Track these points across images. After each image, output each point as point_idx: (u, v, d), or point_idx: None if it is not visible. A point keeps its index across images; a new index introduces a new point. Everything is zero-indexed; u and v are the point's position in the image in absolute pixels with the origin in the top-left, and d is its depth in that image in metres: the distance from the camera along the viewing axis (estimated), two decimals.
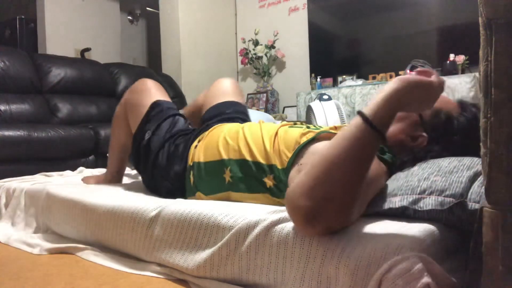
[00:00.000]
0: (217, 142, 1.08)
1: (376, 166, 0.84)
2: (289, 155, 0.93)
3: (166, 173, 1.14)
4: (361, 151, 0.68)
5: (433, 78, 0.72)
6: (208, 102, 1.39)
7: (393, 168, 0.93)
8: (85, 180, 1.59)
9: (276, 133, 1.01)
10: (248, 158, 1.00)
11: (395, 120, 0.95)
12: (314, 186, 0.66)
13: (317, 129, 1.05)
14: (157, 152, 1.18)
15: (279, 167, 0.94)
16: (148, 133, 1.22)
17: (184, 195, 1.12)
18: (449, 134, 0.93)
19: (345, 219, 0.70)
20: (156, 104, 1.27)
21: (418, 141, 0.96)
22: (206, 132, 1.15)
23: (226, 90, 1.41)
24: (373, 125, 0.67)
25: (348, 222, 0.72)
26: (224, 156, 1.04)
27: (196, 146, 1.12)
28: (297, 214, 0.67)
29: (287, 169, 0.92)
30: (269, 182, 0.96)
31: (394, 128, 0.97)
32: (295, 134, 0.98)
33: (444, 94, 0.97)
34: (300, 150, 0.91)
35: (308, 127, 1.06)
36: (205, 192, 1.07)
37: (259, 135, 1.03)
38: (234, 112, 1.33)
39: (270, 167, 0.96)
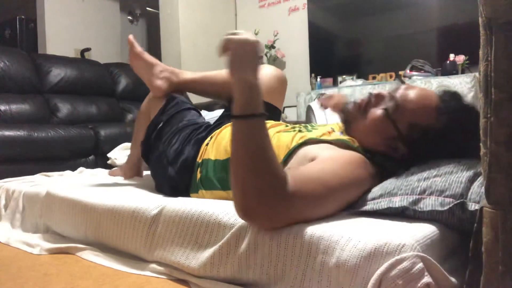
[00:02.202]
0: (226, 142, 1.10)
1: (357, 167, 0.85)
2: (279, 161, 0.96)
3: (174, 161, 1.16)
4: (242, 140, 0.75)
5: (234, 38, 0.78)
6: None
7: (385, 170, 0.93)
8: (112, 173, 1.68)
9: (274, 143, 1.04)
10: None
11: (372, 132, 0.95)
12: (234, 184, 0.75)
13: (309, 131, 1.07)
14: (168, 141, 1.20)
15: None
16: (161, 123, 1.25)
17: (187, 189, 1.14)
18: (429, 144, 0.91)
19: (277, 204, 0.72)
20: (171, 98, 1.31)
21: (399, 152, 0.95)
22: (218, 131, 1.18)
23: (263, 85, 1.35)
24: (234, 115, 0.76)
25: (291, 210, 0.74)
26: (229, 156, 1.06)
27: (207, 143, 1.15)
28: (237, 213, 0.75)
29: None
30: None
31: (373, 140, 0.96)
32: (286, 140, 1.01)
33: (424, 88, 0.97)
34: (290, 155, 0.95)
35: (300, 130, 1.08)
36: (209, 189, 1.08)
37: None
38: None
39: None
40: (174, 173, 1.15)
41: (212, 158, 1.10)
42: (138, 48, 1.33)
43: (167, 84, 1.32)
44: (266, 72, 1.36)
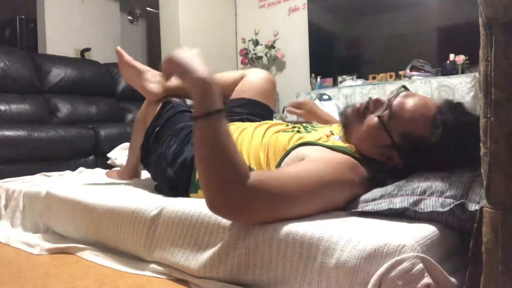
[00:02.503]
0: None
1: (344, 168, 0.86)
2: (276, 162, 0.99)
3: (173, 161, 1.17)
4: (200, 138, 0.78)
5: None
6: (237, 93, 1.41)
7: (379, 176, 0.92)
8: (109, 174, 1.69)
9: (269, 142, 1.07)
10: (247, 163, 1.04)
11: (367, 138, 0.94)
12: (200, 180, 0.79)
13: (308, 132, 1.09)
14: (166, 143, 1.21)
15: None
16: (158, 127, 1.27)
17: (186, 190, 1.14)
18: (422, 156, 0.88)
19: (237, 198, 0.74)
20: (167, 102, 1.33)
21: (393, 161, 0.93)
22: None
23: (256, 86, 1.41)
24: (192, 117, 0.78)
25: (252, 204, 0.75)
26: None
27: None
28: (207, 206, 0.78)
29: None
30: None
31: (368, 147, 0.95)
32: (283, 141, 1.03)
33: (425, 96, 0.94)
34: (285, 157, 0.96)
35: (299, 131, 1.09)
36: None
37: (258, 143, 1.08)
38: (250, 114, 1.35)
39: None
40: (173, 173, 1.16)
41: None
42: (127, 56, 1.36)
43: (160, 86, 1.33)
44: (259, 75, 1.42)
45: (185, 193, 1.14)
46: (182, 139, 1.20)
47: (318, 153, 0.91)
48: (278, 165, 0.97)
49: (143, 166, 1.37)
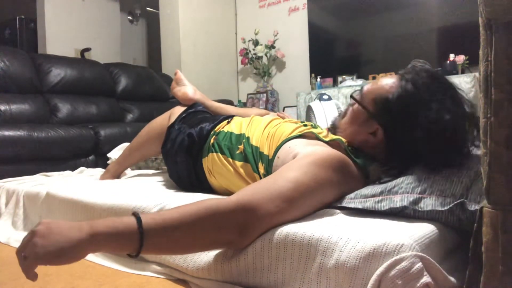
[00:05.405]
0: (243, 121, 1.24)
1: (334, 165, 0.88)
2: (275, 147, 1.04)
3: (196, 125, 1.31)
4: (168, 248, 0.76)
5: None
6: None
7: (367, 173, 0.97)
8: (102, 178, 1.70)
9: (271, 131, 1.12)
10: (255, 143, 1.11)
11: (350, 122, 1.05)
12: (210, 248, 0.83)
13: (315, 127, 1.13)
14: (190, 121, 1.35)
15: (270, 157, 1.04)
16: (184, 114, 1.41)
17: (198, 153, 1.23)
18: (400, 115, 0.94)
19: (238, 227, 0.75)
20: (194, 104, 1.50)
21: (377, 135, 0.99)
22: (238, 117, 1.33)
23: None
24: (132, 256, 0.69)
25: (254, 222, 0.76)
26: (243, 132, 1.18)
27: (228, 121, 1.30)
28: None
29: (271, 160, 1.02)
30: (261, 170, 1.05)
31: (352, 132, 1.04)
32: (286, 129, 1.08)
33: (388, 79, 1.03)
34: (285, 144, 1.01)
35: (305, 125, 1.14)
36: (218, 152, 1.17)
37: (266, 134, 1.13)
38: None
39: (262, 155, 1.06)
40: (194, 132, 1.27)
41: (228, 130, 1.22)
42: (180, 73, 1.67)
43: (197, 94, 1.57)
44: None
45: (197, 155, 1.23)
46: (205, 119, 1.34)
47: (310, 147, 0.94)
48: (274, 153, 1.01)
49: (162, 151, 1.42)
